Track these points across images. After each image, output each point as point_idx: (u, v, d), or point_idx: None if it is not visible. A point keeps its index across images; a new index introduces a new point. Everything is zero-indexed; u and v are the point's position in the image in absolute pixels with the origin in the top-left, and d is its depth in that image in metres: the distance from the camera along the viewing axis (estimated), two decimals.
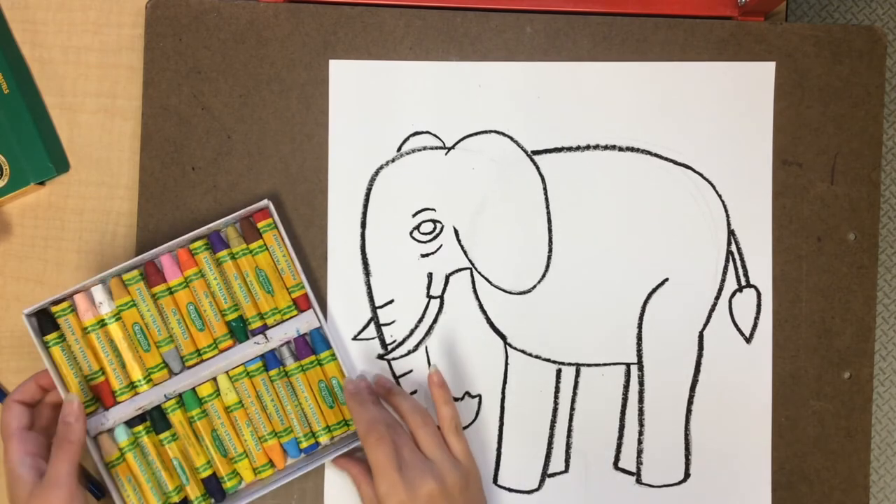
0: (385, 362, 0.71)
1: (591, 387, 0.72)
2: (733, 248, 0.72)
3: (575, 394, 0.72)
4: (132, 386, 0.66)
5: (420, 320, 0.71)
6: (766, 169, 0.73)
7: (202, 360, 0.67)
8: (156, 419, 0.66)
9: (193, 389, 0.67)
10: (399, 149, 0.71)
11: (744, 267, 0.72)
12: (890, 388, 1.39)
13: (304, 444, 0.69)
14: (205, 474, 0.67)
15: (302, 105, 0.71)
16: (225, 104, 0.71)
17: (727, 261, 0.72)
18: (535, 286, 0.72)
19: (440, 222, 0.71)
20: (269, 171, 0.71)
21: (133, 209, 0.72)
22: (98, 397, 0.66)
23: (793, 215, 0.73)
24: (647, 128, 0.72)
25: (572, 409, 0.72)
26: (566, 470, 0.72)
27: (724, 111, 0.73)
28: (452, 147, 0.71)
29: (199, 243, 0.67)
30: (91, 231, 0.72)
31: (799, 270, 0.73)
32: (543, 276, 0.72)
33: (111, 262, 0.72)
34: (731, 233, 0.72)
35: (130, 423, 0.66)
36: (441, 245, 0.71)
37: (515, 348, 0.71)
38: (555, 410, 0.72)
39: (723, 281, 0.72)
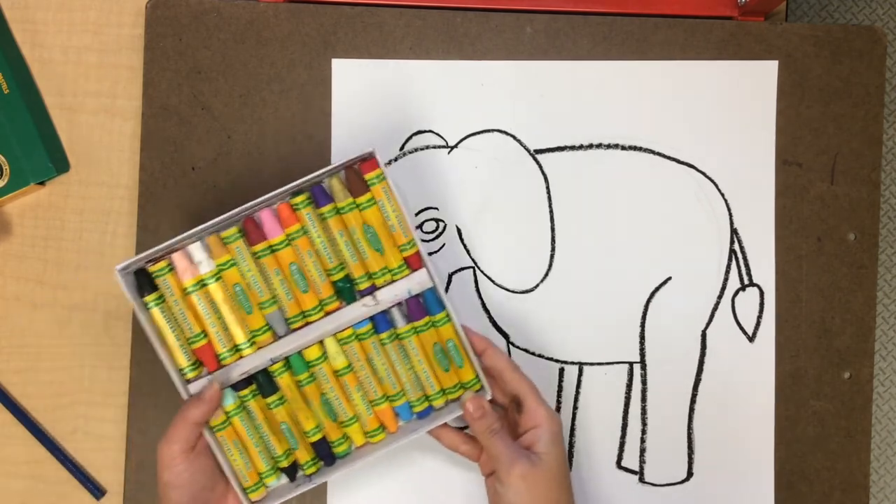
0: None
1: (594, 386, 0.72)
2: (736, 246, 0.72)
3: (578, 393, 0.72)
4: (236, 349, 0.62)
5: None
6: (769, 167, 0.73)
7: (308, 323, 0.63)
8: (262, 383, 0.63)
9: (300, 353, 0.63)
10: (402, 147, 0.71)
11: (746, 266, 0.72)
12: (890, 388, 1.39)
13: (418, 409, 0.65)
14: (314, 438, 0.64)
15: (302, 105, 0.71)
16: (225, 104, 0.71)
17: (730, 259, 0.72)
18: (537, 285, 0.72)
19: (443, 221, 0.71)
20: (269, 171, 0.71)
21: (133, 209, 0.72)
22: (201, 361, 0.62)
23: (793, 215, 0.73)
24: (649, 126, 0.72)
25: (575, 408, 0.72)
26: (569, 469, 0.72)
27: (726, 109, 0.73)
28: (455, 146, 0.71)
29: (301, 197, 0.62)
30: (91, 231, 0.72)
31: (799, 270, 0.73)
32: (546, 275, 0.72)
33: (111, 262, 0.72)
34: (733, 231, 0.72)
35: (236, 387, 0.62)
36: (444, 244, 0.71)
37: (518, 347, 0.71)
38: (557, 409, 0.72)
39: (725, 279, 0.72)
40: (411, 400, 0.65)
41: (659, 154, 0.72)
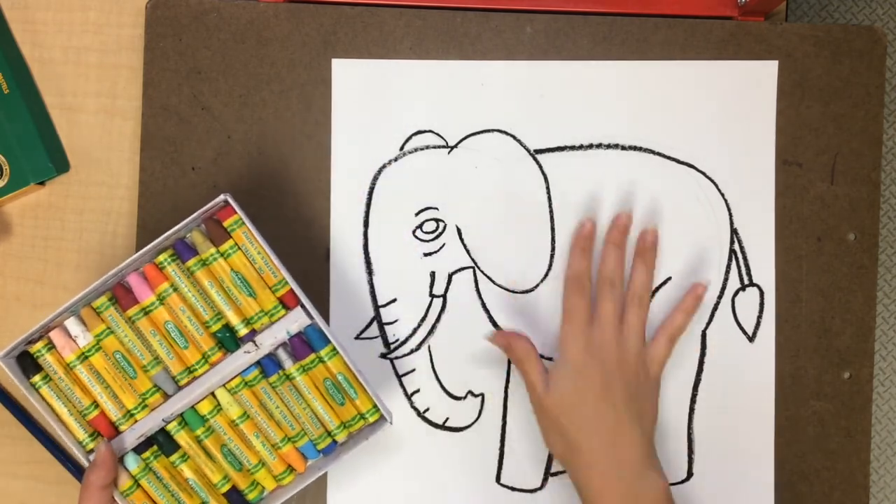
0: (388, 361, 0.71)
1: None
2: (736, 246, 0.72)
3: None
4: (129, 414, 0.63)
5: (423, 319, 0.71)
6: (769, 167, 0.73)
7: (195, 378, 0.64)
8: (162, 443, 0.64)
9: (194, 408, 0.64)
10: (402, 148, 0.71)
11: (746, 266, 0.72)
12: (890, 388, 1.39)
13: (322, 446, 0.65)
14: (224, 489, 0.65)
15: (302, 105, 0.71)
16: (225, 104, 0.71)
17: (730, 259, 0.72)
18: (537, 285, 0.71)
19: (443, 221, 0.71)
20: (269, 171, 0.71)
21: (133, 209, 0.72)
22: (98, 431, 0.63)
23: (793, 215, 0.73)
24: (649, 126, 0.72)
25: None
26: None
27: (726, 110, 0.73)
28: (455, 146, 0.71)
29: (164, 255, 0.63)
30: (91, 231, 0.72)
31: (799, 270, 0.73)
32: (546, 274, 0.71)
33: (111, 262, 0.72)
34: (733, 231, 0.72)
35: (138, 450, 0.63)
36: (444, 244, 0.71)
37: None
38: None
39: (725, 280, 0.72)
40: (313, 438, 0.65)
41: (659, 154, 0.72)
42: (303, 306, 0.64)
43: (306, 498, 0.70)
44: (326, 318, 0.70)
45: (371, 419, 0.66)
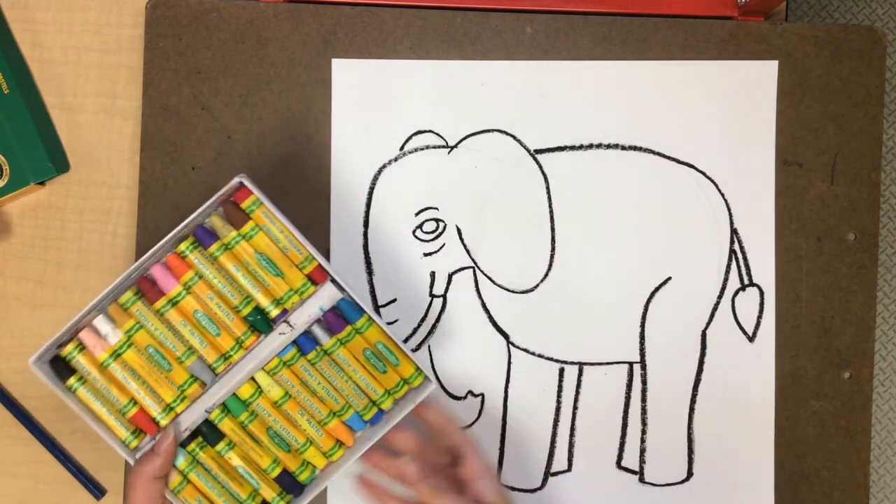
0: None
1: (594, 386, 0.72)
2: (736, 246, 0.72)
3: (578, 393, 0.72)
4: (170, 407, 0.62)
5: (423, 319, 0.71)
6: (769, 167, 0.73)
7: (231, 364, 0.62)
8: (206, 433, 0.62)
9: (234, 394, 0.62)
10: (402, 148, 0.71)
11: (746, 266, 0.72)
12: (890, 388, 1.39)
13: (368, 416, 0.64)
14: (275, 473, 0.63)
15: (302, 105, 0.71)
16: (225, 104, 0.71)
17: (730, 259, 0.72)
18: (537, 285, 0.72)
19: (443, 221, 0.71)
20: (269, 171, 0.71)
21: (133, 209, 0.72)
22: (140, 428, 0.62)
23: (793, 215, 0.73)
24: (649, 126, 0.72)
25: (575, 408, 0.72)
26: (569, 469, 0.72)
27: (726, 110, 0.73)
28: (455, 146, 0.71)
29: (185, 243, 0.61)
30: (91, 231, 0.72)
31: (799, 270, 0.73)
32: (546, 274, 0.72)
33: (111, 262, 0.72)
34: (733, 231, 0.72)
35: (183, 444, 0.62)
36: (444, 244, 0.71)
37: (518, 347, 0.71)
38: (557, 409, 0.72)
39: (725, 280, 0.72)
40: (359, 410, 0.64)
41: (659, 154, 0.72)
42: (333, 280, 0.63)
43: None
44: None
45: (414, 383, 0.65)
